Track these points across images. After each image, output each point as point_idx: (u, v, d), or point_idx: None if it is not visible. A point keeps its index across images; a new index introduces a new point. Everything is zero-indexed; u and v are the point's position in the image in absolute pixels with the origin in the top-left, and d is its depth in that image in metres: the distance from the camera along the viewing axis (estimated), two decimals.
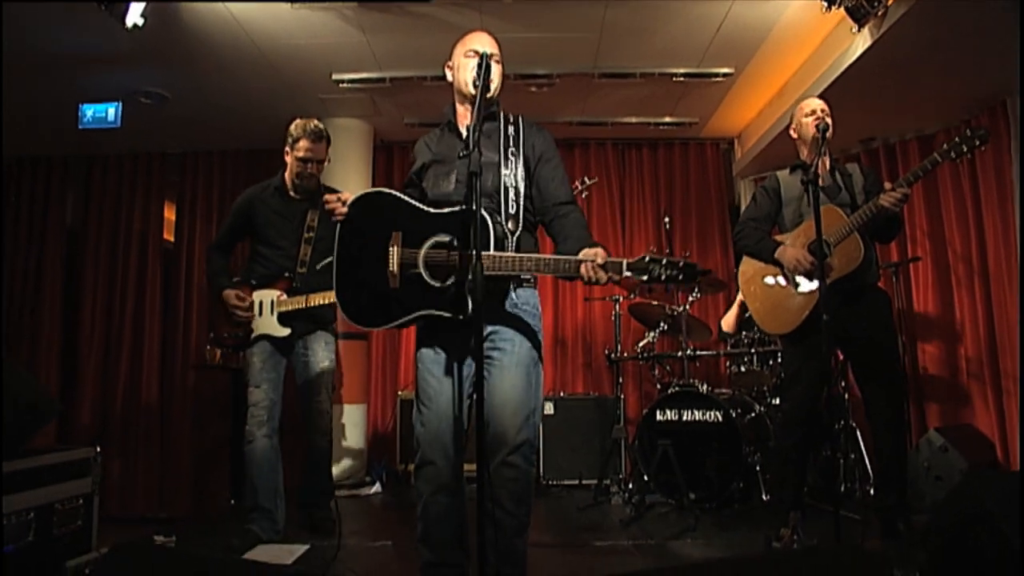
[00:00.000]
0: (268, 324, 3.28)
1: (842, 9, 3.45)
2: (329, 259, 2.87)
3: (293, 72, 4.80)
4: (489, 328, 2.11)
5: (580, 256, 1.95)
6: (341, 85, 4.94)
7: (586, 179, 4.83)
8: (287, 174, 3.38)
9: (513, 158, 2.18)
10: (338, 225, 2.18)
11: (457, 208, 2.07)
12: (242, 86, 4.96)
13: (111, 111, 4.57)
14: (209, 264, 3.44)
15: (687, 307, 4.71)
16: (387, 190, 2.20)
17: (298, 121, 3.35)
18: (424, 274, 2.03)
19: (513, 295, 2.14)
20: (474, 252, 1.81)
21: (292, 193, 3.39)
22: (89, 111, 4.57)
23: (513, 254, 1.97)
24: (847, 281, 2.96)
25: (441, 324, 2.05)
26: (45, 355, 5.92)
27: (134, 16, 3.42)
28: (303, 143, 3.29)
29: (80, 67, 4.52)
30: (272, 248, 3.34)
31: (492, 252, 1.95)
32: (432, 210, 2.12)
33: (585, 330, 5.97)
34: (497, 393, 2.07)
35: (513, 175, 2.15)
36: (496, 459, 2.04)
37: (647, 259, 1.88)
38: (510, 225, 2.09)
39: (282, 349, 3.33)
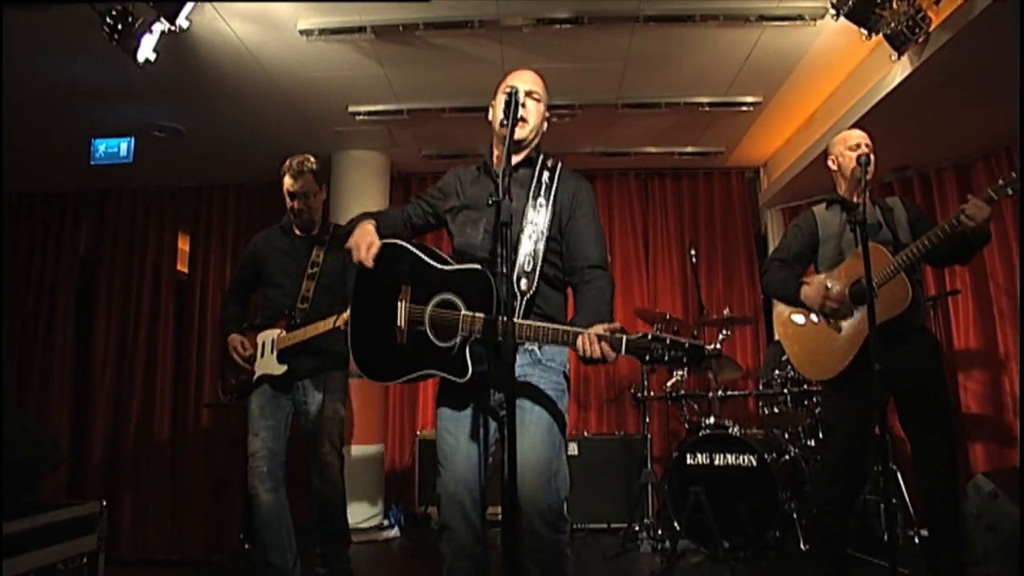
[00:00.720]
0: (268, 364, 3.19)
1: (880, 36, 3.33)
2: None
3: (308, 105, 4.78)
4: (499, 395, 2.03)
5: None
6: (358, 118, 4.93)
7: None
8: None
9: (541, 208, 2.07)
10: (355, 275, 2.13)
11: (462, 267, 2.00)
12: (257, 120, 4.95)
13: (123, 146, 4.54)
14: (223, 312, 3.44)
15: (717, 344, 4.53)
16: (400, 242, 2.12)
17: (288, 158, 3.33)
18: (429, 333, 1.97)
19: (538, 352, 2.05)
20: (501, 317, 1.73)
21: (297, 231, 3.37)
22: (101, 146, 4.54)
23: (518, 320, 1.86)
24: (893, 324, 2.83)
25: (448, 388, 2.02)
26: (57, 389, 5.89)
27: (146, 51, 3.37)
28: (286, 180, 3.28)
29: (92, 102, 4.51)
30: (275, 288, 3.30)
31: (493, 317, 1.88)
32: (439, 265, 2.05)
33: (608, 368, 5.83)
34: (515, 455, 1.97)
35: (536, 228, 2.04)
36: (521, 527, 1.92)
37: (649, 337, 1.76)
38: (523, 284, 1.99)
39: (283, 390, 3.21)
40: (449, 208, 2.21)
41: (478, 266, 1.99)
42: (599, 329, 1.78)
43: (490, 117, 2.21)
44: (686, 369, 4.63)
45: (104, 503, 2.82)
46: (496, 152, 2.21)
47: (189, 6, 3.25)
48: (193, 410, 5.84)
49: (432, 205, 2.22)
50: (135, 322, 6.01)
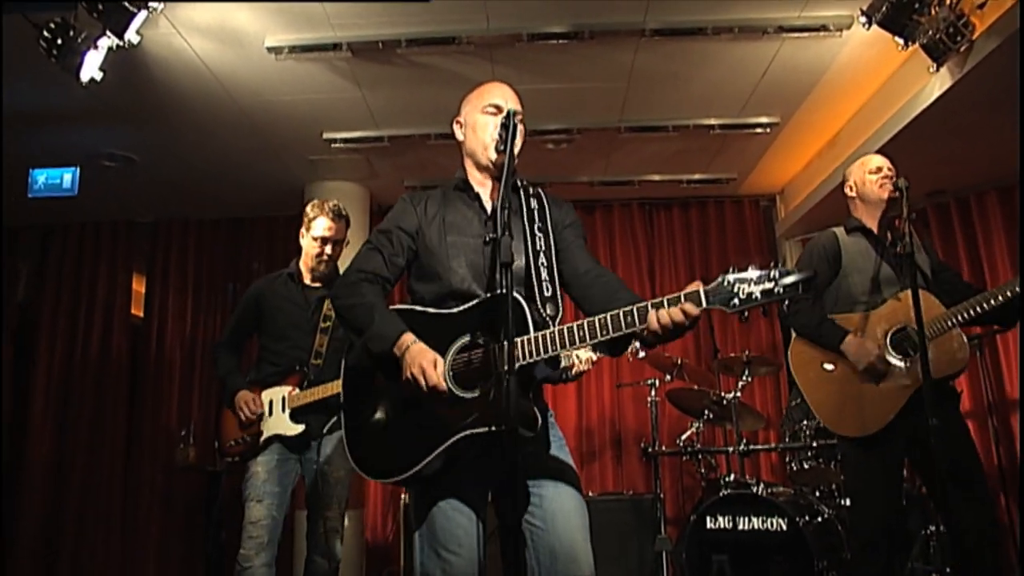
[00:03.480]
0: (279, 423, 3.19)
1: (917, 45, 3.25)
2: None
3: (278, 131, 4.71)
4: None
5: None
6: (333, 145, 4.86)
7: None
8: (303, 260, 3.40)
9: (541, 233, 2.04)
10: (343, 369, 2.06)
11: (475, 301, 1.92)
12: (220, 147, 4.87)
13: (67, 177, 4.38)
14: (218, 364, 3.39)
15: (737, 392, 4.36)
16: (400, 307, 2.02)
17: (315, 201, 3.40)
18: (453, 387, 1.86)
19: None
20: (504, 369, 1.60)
21: (308, 280, 3.38)
22: (41, 177, 4.37)
23: (556, 329, 1.79)
24: (943, 382, 2.74)
25: (467, 448, 1.85)
26: None
27: (90, 70, 3.23)
28: (322, 221, 3.31)
29: (29, 127, 4.38)
30: (282, 341, 3.29)
31: (531, 334, 1.80)
32: (445, 311, 1.96)
33: (615, 420, 5.71)
34: (560, 516, 1.89)
35: (544, 252, 2.02)
36: None
37: (729, 280, 1.65)
38: (549, 310, 1.94)
39: (295, 451, 3.24)
40: (417, 248, 2.10)
41: (492, 293, 1.92)
42: (665, 300, 1.69)
43: (459, 137, 2.15)
44: (709, 413, 4.45)
45: None
46: (478, 175, 2.13)
47: (140, 18, 3.13)
48: (148, 474, 5.59)
49: (406, 241, 2.09)
50: (81, 376, 5.78)
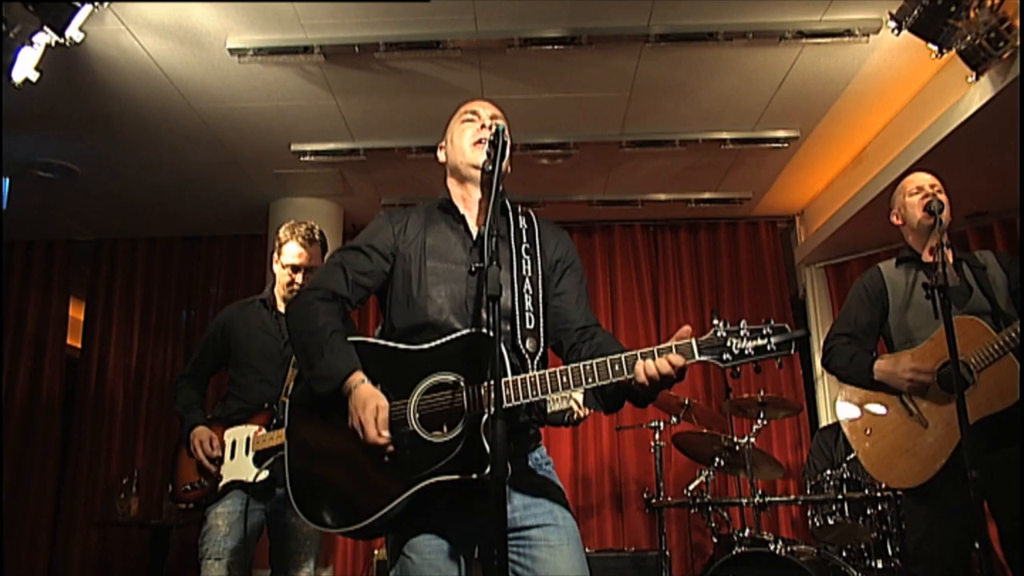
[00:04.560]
0: (241, 467, 3.13)
1: (953, 52, 3.27)
2: None
3: (241, 142, 4.71)
4: (518, 497, 1.93)
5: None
6: (303, 158, 4.86)
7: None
8: (276, 287, 3.40)
9: (528, 256, 2.06)
10: (288, 401, 2.03)
11: (448, 338, 1.92)
12: (175, 159, 4.86)
13: None
14: (178, 396, 3.34)
15: (751, 437, 4.33)
16: (359, 339, 2.00)
17: (287, 224, 3.39)
18: (419, 429, 1.86)
19: (535, 453, 2.02)
20: (491, 401, 1.62)
21: (281, 309, 3.37)
22: None
23: (540, 372, 1.84)
24: (998, 419, 2.67)
25: (436, 496, 1.85)
26: None
27: (24, 69, 3.19)
28: (292, 248, 3.30)
29: None
30: (251, 374, 3.27)
31: (511, 377, 1.83)
32: (413, 347, 1.95)
33: (614, 467, 5.69)
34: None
35: (529, 279, 2.04)
36: None
37: (721, 332, 1.77)
38: (529, 345, 1.96)
39: (259, 500, 3.17)
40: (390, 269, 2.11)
41: (470, 330, 1.92)
42: (655, 349, 1.76)
43: (442, 159, 2.21)
44: (720, 460, 4.43)
45: None
46: (459, 191, 2.15)
47: (83, 13, 3.09)
48: (81, 529, 5.49)
49: (377, 261, 2.08)
50: (5, 416, 5.67)
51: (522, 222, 2.12)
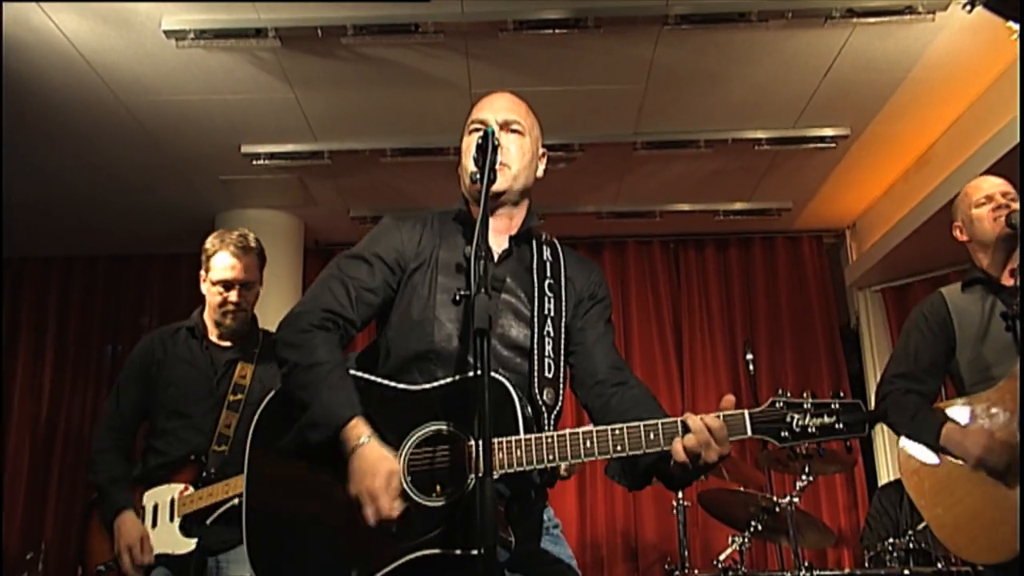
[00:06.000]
0: (165, 538, 3.07)
1: None
2: None
3: (180, 142, 4.71)
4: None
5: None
6: (255, 162, 4.86)
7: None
8: (207, 311, 3.35)
9: (552, 294, 2.09)
10: (249, 437, 2.04)
11: (452, 378, 1.94)
12: (99, 161, 4.85)
13: None
14: (96, 464, 3.23)
15: (795, 497, 4.27)
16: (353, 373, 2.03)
17: (214, 233, 3.35)
18: (411, 490, 1.85)
19: (542, 515, 2.05)
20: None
21: (214, 337, 3.32)
22: None
23: (557, 434, 1.84)
24: None
25: (437, 566, 1.84)
26: None
27: None
28: (222, 258, 3.23)
29: None
30: (176, 420, 3.21)
31: (522, 436, 1.84)
32: (412, 387, 1.96)
33: (629, 530, 5.66)
34: None
35: (552, 320, 2.08)
36: None
37: (780, 404, 1.77)
38: (547, 397, 2.00)
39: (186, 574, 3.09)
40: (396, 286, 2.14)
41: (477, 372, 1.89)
42: (699, 420, 1.75)
43: (460, 168, 2.21)
44: (757, 524, 4.35)
45: None
46: (475, 210, 2.14)
47: None
48: None
49: (384, 274, 2.11)
50: None
51: (546, 253, 2.16)
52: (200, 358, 3.27)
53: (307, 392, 1.90)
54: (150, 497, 3.13)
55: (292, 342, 1.96)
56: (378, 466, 1.80)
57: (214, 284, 3.23)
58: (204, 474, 3.11)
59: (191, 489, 3.10)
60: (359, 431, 1.83)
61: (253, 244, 3.30)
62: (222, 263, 3.21)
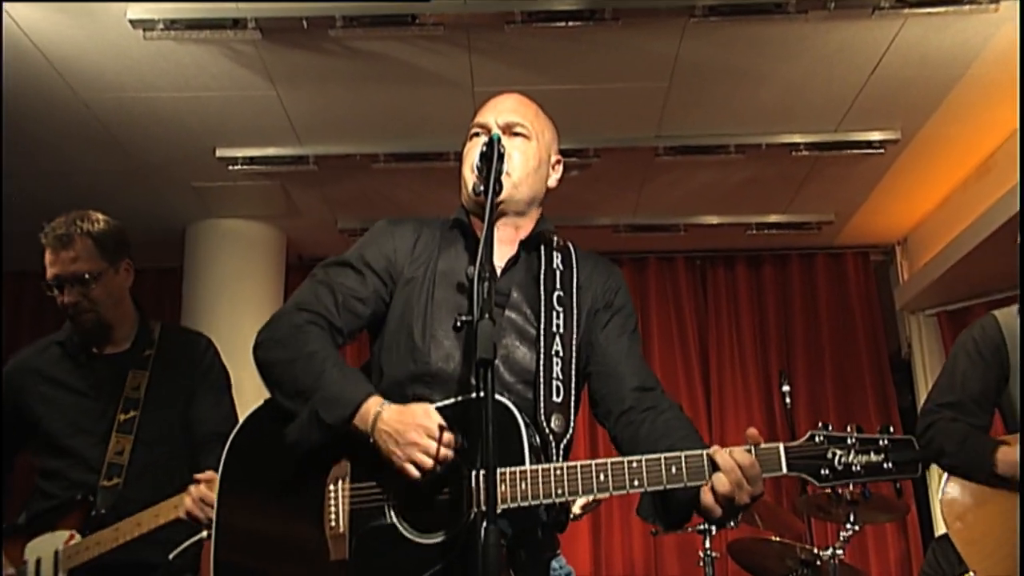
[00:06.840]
0: None
1: None
2: None
3: (147, 145, 4.72)
4: None
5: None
6: (232, 167, 4.87)
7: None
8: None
9: (562, 308, 2.10)
10: (223, 459, 2.03)
11: (451, 401, 1.95)
12: (57, 167, 4.88)
13: None
14: None
15: (839, 548, 4.24)
16: None
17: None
18: (400, 524, 1.87)
19: (553, 563, 2.07)
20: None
21: (91, 347, 3.17)
22: None
23: (568, 465, 1.84)
24: None
25: None
26: None
27: None
28: (46, 257, 3.06)
29: None
30: (57, 456, 3.10)
31: (528, 467, 1.83)
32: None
33: (646, 559, 5.68)
34: None
35: (560, 336, 2.09)
36: None
37: (821, 438, 1.75)
38: (555, 424, 2.00)
39: None
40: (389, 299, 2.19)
41: (476, 395, 1.90)
42: (729, 457, 1.74)
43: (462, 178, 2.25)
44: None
45: None
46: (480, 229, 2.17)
47: None
48: None
49: (375, 284, 2.15)
50: None
51: (557, 260, 2.18)
52: (77, 378, 3.15)
53: (310, 377, 1.92)
54: (32, 550, 3.04)
55: (280, 339, 1.98)
56: (407, 416, 1.83)
57: (47, 288, 3.09)
58: (94, 514, 3.00)
59: (78, 537, 2.99)
60: (374, 404, 1.86)
61: (83, 227, 3.07)
62: (46, 261, 3.05)
